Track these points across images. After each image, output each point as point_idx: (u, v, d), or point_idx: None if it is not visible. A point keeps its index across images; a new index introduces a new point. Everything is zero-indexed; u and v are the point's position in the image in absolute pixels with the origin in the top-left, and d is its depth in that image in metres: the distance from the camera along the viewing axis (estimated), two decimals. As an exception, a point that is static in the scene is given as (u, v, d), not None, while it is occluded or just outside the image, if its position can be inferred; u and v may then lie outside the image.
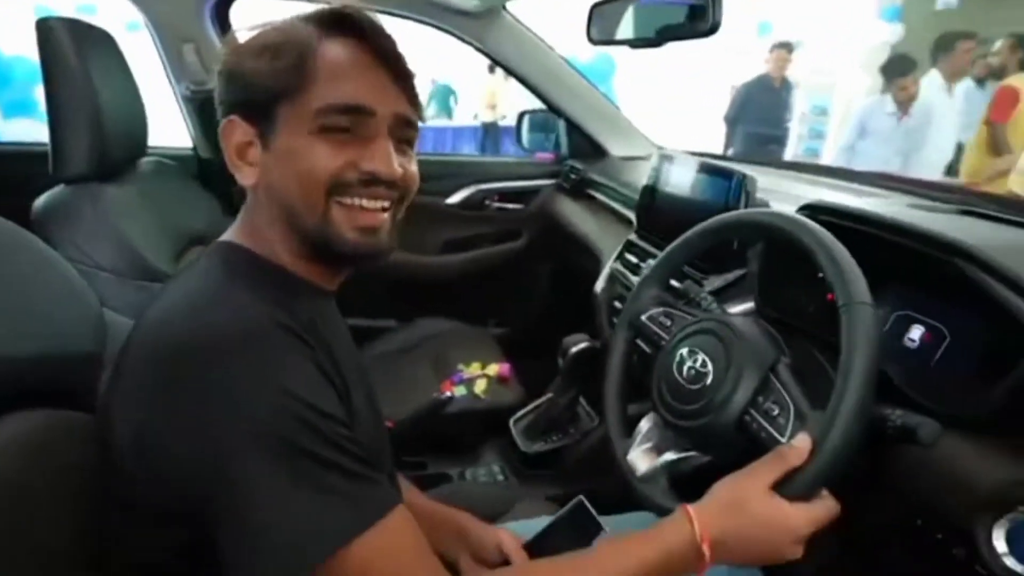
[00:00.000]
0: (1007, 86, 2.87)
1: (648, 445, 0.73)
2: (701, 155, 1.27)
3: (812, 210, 0.79)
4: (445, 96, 6.90)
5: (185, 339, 0.48)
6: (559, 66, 1.62)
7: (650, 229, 1.17)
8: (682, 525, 0.53)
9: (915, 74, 3.26)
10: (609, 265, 1.23)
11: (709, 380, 0.65)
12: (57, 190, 1.02)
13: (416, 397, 1.26)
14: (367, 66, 0.54)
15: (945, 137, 3.15)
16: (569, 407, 1.21)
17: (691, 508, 0.54)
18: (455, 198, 1.77)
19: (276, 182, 0.54)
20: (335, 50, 0.53)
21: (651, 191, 1.18)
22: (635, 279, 1.11)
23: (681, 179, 1.09)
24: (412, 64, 0.57)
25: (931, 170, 3.02)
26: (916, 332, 0.75)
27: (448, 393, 1.25)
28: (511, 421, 1.26)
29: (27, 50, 3.99)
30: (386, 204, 0.56)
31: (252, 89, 0.54)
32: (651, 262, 1.05)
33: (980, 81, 3.25)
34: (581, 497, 0.71)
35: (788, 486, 0.53)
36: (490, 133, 6.38)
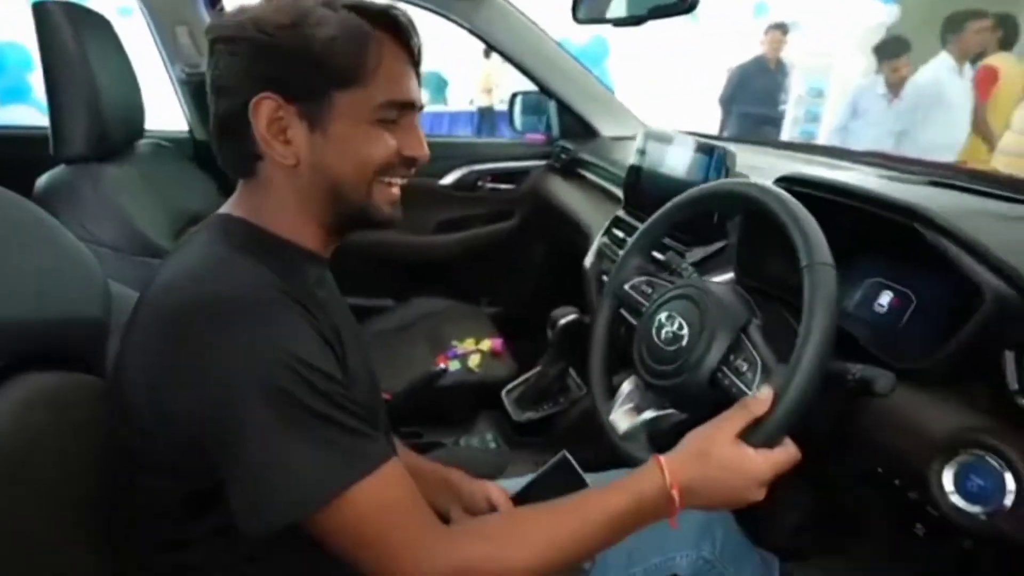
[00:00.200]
0: (986, 65, 2.89)
1: (629, 406, 0.77)
2: (694, 135, 1.30)
3: (788, 182, 0.82)
4: (436, 84, 6.89)
5: (190, 304, 0.51)
6: (549, 47, 1.64)
7: (636, 205, 1.21)
8: (653, 473, 0.57)
9: (909, 56, 3.25)
10: (598, 240, 1.26)
11: (685, 342, 0.68)
12: (58, 170, 1.05)
13: (412, 372, 1.30)
14: (409, 64, 0.60)
15: (955, 119, 3.03)
16: (559, 377, 1.26)
17: (662, 458, 0.58)
18: (448, 179, 1.80)
19: (328, 163, 0.58)
20: (391, 48, 0.58)
21: (637, 169, 1.21)
22: (622, 253, 1.15)
23: (664, 156, 1.12)
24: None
25: (938, 152, 2.94)
26: (885, 298, 0.79)
27: (442, 366, 1.29)
28: (503, 392, 1.30)
29: (19, 35, 3.98)
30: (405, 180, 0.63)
31: (301, 71, 0.55)
32: (637, 236, 1.08)
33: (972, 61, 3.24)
34: (565, 452, 0.75)
35: (753, 434, 0.57)
36: (486, 117, 6.37)
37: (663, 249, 0.95)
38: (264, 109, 0.55)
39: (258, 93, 0.55)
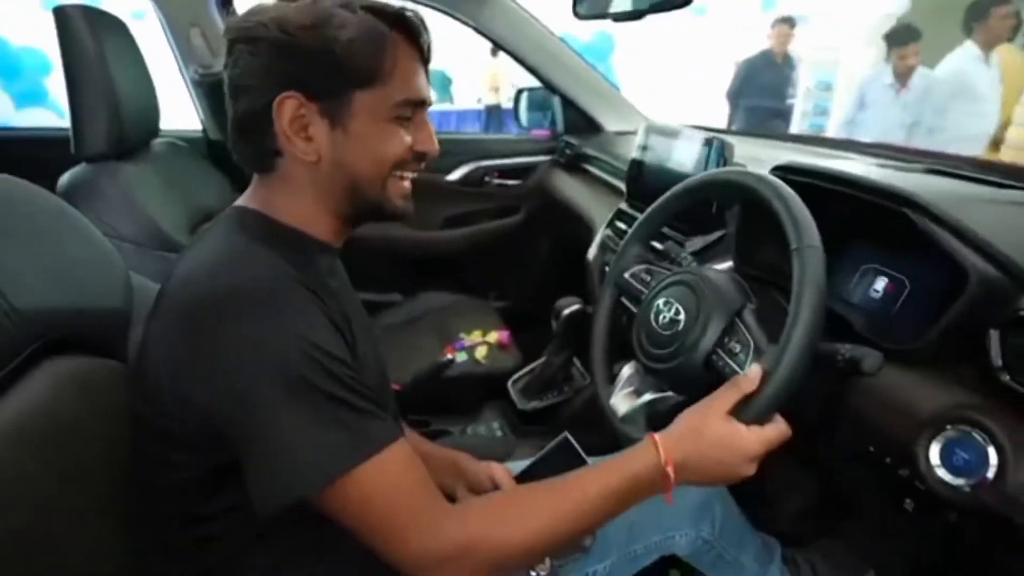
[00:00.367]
0: None
1: (629, 390, 0.80)
2: (699, 129, 1.31)
3: (783, 170, 0.84)
4: (441, 81, 6.94)
5: (209, 292, 0.54)
6: (553, 44, 1.66)
7: (638, 197, 1.23)
8: (648, 451, 0.59)
9: (917, 45, 3.20)
10: (601, 233, 1.28)
11: (681, 326, 0.71)
12: (79, 168, 1.09)
13: (421, 364, 1.33)
14: (421, 62, 0.62)
15: (984, 109, 2.93)
16: (563, 367, 1.28)
17: (656, 436, 0.60)
18: (455, 175, 1.82)
19: (348, 159, 0.60)
20: (406, 49, 0.60)
21: (638, 162, 1.23)
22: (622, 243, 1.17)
23: (665, 149, 1.14)
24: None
25: (965, 144, 2.78)
26: (881, 283, 0.81)
27: (449, 356, 1.32)
28: (509, 382, 1.33)
29: (36, 40, 4.06)
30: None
31: (323, 71, 0.57)
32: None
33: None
34: (566, 434, 0.77)
35: (744, 412, 0.59)
36: (493, 115, 6.40)
37: (663, 239, 0.98)
38: (287, 108, 0.57)
39: (280, 92, 0.57)
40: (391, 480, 0.53)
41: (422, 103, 0.63)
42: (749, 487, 0.95)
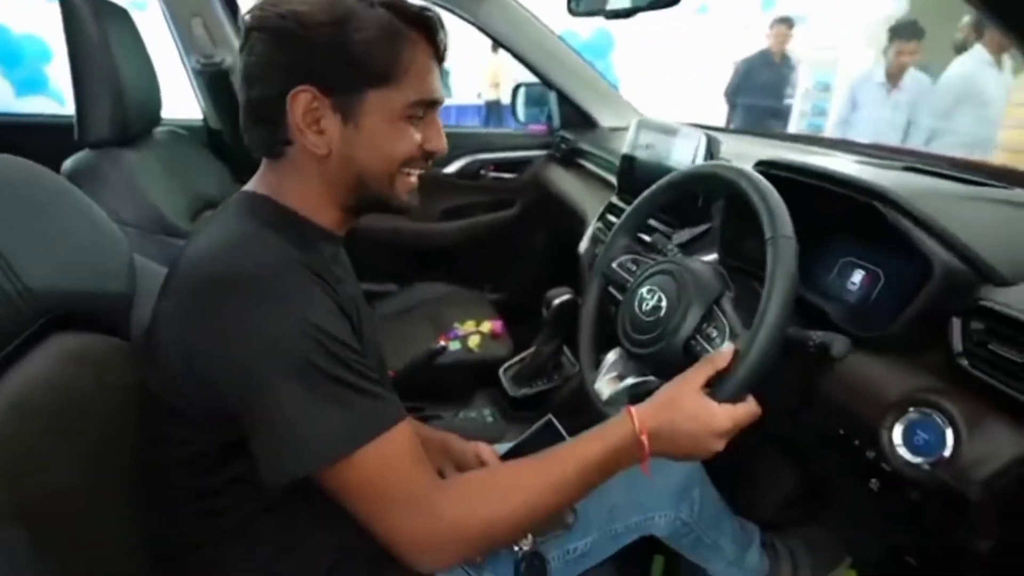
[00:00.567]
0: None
1: (613, 374, 0.83)
2: (699, 127, 1.34)
3: (765, 165, 0.87)
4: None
5: (218, 275, 0.55)
6: (551, 40, 1.69)
7: (629, 191, 1.26)
8: (624, 422, 0.62)
9: (919, 44, 3.19)
10: (592, 226, 1.31)
11: (663, 313, 0.74)
12: (83, 154, 1.11)
13: (415, 351, 1.36)
14: (435, 61, 0.63)
15: (990, 114, 2.89)
16: (553, 355, 1.31)
17: (632, 408, 0.62)
18: (452, 168, 1.85)
19: (357, 155, 0.61)
20: (422, 48, 0.61)
21: (630, 157, 1.26)
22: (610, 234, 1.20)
23: (655, 144, 1.17)
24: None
25: (968, 150, 2.76)
26: (857, 276, 0.84)
27: (443, 343, 1.35)
28: (500, 369, 1.36)
29: (37, 28, 4.07)
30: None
31: (340, 68, 0.57)
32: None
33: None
34: (550, 415, 0.80)
35: (718, 390, 0.62)
36: (493, 111, 6.42)
37: (651, 231, 1.01)
38: (301, 100, 0.58)
39: (296, 84, 0.57)
40: (390, 462, 0.55)
41: (435, 103, 0.64)
42: (731, 473, 0.99)
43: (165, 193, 1.15)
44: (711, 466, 0.94)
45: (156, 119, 1.29)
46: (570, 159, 1.74)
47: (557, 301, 1.21)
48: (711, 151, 1.02)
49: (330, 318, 0.55)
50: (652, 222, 1.05)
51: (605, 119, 1.78)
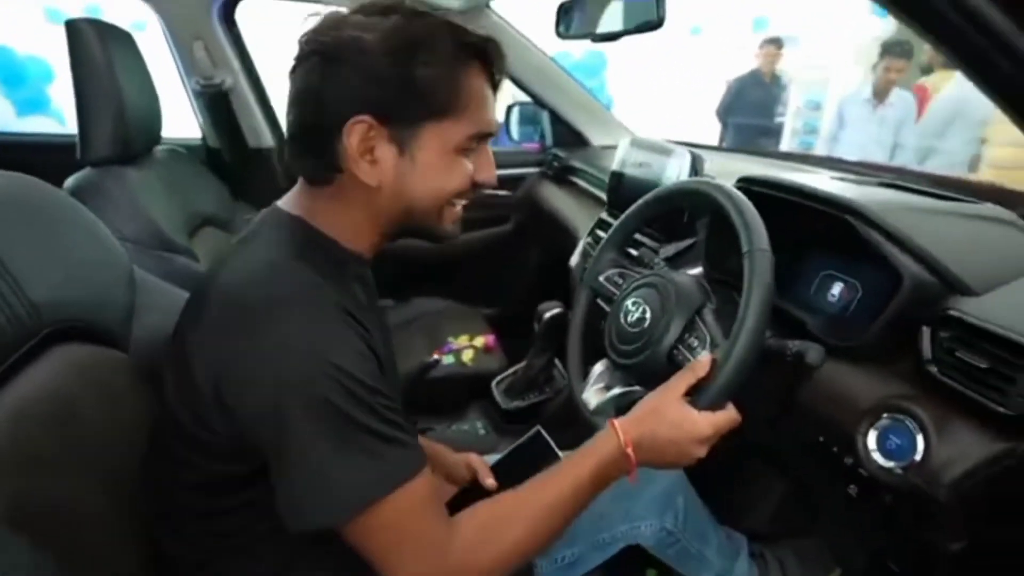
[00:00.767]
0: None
1: (600, 385, 0.85)
2: (692, 145, 1.37)
3: (747, 181, 0.91)
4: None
5: (258, 307, 0.53)
6: (542, 61, 1.73)
7: (618, 207, 1.28)
8: (610, 436, 0.63)
9: (910, 63, 3.26)
10: (583, 241, 1.34)
11: (647, 324, 0.76)
12: (85, 171, 1.14)
13: (409, 365, 1.38)
14: (492, 91, 0.62)
15: (980, 134, 2.90)
16: (545, 368, 1.33)
17: (616, 421, 0.64)
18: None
19: (410, 187, 0.60)
20: (479, 81, 0.60)
21: (619, 174, 1.29)
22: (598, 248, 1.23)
23: (643, 161, 1.21)
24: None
25: (962, 170, 2.81)
26: (837, 288, 0.87)
27: (436, 357, 1.37)
28: (493, 383, 1.38)
29: (40, 50, 4.13)
30: None
31: (400, 99, 0.56)
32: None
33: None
34: (539, 427, 0.82)
35: (698, 398, 0.64)
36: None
37: (638, 246, 1.03)
38: (358, 130, 0.56)
39: (354, 112, 0.56)
40: (410, 510, 0.54)
41: (490, 136, 0.63)
42: (718, 484, 1.01)
43: (165, 210, 1.18)
44: (697, 477, 0.96)
45: (157, 138, 1.32)
46: (562, 176, 1.78)
47: (548, 315, 1.24)
48: (696, 168, 1.05)
49: (359, 361, 0.54)
50: (640, 237, 1.08)
51: (596, 137, 1.82)
